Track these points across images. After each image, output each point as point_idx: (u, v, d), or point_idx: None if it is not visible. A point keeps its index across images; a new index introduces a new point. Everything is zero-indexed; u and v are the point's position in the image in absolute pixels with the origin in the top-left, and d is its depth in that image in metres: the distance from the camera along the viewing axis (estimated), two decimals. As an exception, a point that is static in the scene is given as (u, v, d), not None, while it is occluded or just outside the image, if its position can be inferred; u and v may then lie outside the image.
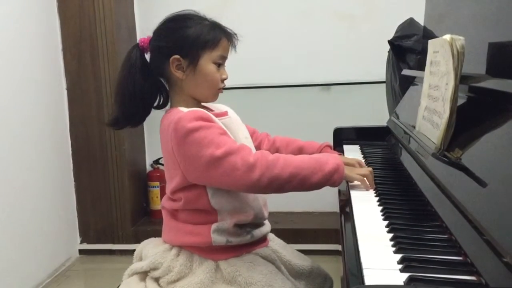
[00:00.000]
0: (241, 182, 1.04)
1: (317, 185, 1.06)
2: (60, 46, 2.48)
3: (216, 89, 1.18)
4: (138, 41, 1.19)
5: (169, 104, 1.23)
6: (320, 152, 1.33)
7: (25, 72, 2.19)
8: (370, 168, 1.16)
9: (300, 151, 1.33)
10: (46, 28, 2.39)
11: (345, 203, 1.04)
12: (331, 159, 1.08)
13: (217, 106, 1.28)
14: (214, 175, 1.05)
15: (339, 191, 1.13)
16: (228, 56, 1.20)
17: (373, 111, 2.17)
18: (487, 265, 0.65)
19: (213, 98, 1.20)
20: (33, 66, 2.26)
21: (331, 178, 1.06)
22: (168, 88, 1.21)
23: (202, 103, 1.24)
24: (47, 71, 2.39)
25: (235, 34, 1.20)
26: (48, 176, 2.37)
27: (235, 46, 1.20)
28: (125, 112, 1.19)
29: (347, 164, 1.26)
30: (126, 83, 1.16)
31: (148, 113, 1.22)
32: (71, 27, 2.47)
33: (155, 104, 1.23)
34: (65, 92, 2.52)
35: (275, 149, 1.35)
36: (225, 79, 1.18)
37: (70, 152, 2.57)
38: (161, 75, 1.19)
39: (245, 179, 1.02)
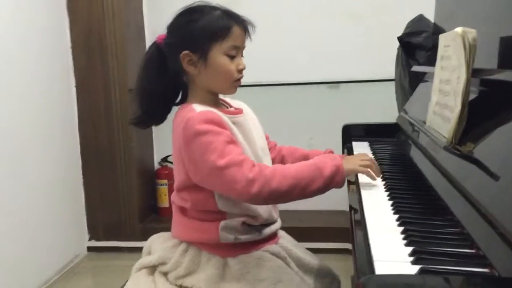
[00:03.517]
0: (240, 196, 1.03)
1: (320, 191, 1.05)
2: (69, 44, 2.49)
3: (232, 81, 1.14)
4: (156, 39, 1.17)
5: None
6: None
7: (34, 69, 2.20)
8: (371, 157, 1.14)
9: (304, 158, 1.31)
10: (55, 25, 2.40)
11: (355, 198, 1.04)
12: (329, 161, 1.06)
13: (235, 102, 1.26)
14: (215, 183, 1.05)
15: (348, 186, 1.12)
16: (246, 45, 1.15)
17: (382, 109, 2.15)
18: (500, 257, 0.65)
19: (231, 90, 1.16)
20: (42, 63, 2.27)
21: (333, 181, 1.04)
22: (186, 84, 1.19)
23: (220, 97, 1.22)
24: (56, 68, 2.40)
25: (250, 21, 1.15)
26: (57, 173, 2.38)
27: (250, 34, 1.15)
28: (146, 110, 1.18)
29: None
30: (144, 81, 1.16)
31: (169, 110, 1.20)
32: (80, 24, 2.48)
33: (177, 100, 1.21)
34: (74, 89, 2.53)
35: (281, 157, 1.34)
36: (242, 70, 1.14)
37: (79, 149, 2.57)
38: (178, 71, 1.15)
39: (244, 192, 1.01)
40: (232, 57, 1.12)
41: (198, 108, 1.10)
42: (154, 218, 2.76)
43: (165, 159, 2.75)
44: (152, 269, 1.18)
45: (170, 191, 2.68)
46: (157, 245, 1.20)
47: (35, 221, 2.19)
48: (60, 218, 2.40)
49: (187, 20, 1.12)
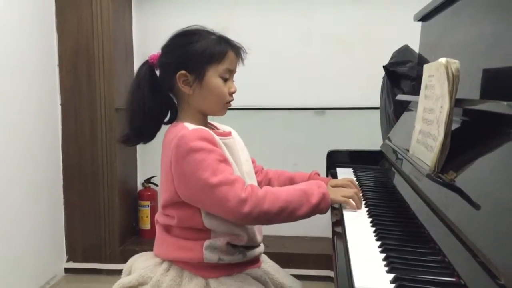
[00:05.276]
0: (230, 214, 1.05)
1: (305, 216, 1.09)
2: (56, 62, 2.48)
3: (224, 103, 1.18)
4: (148, 58, 1.20)
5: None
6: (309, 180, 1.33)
7: (19, 86, 2.18)
8: (355, 190, 1.16)
9: (290, 181, 1.35)
10: (43, 43, 2.39)
11: (338, 224, 1.03)
12: (316, 189, 1.10)
13: (222, 126, 1.29)
14: (205, 200, 1.06)
15: (332, 212, 1.12)
16: (237, 70, 1.20)
17: (367, 137, 2.17)
18: (481, 286, 0.65)
19: (222, 112, 1.21)
20: (28, 80, 2.26)
21: (318, 208, 1.08)
22: (176, 103, 1.22)
23: (209, 121, 1.24)
24: (42, 85, 2.38)
25: (243, 47, 1.20)
26: (37, 191, 2.34)
27: (242, 59, 1.20)
28: (135, 128, 1.19)
29: (336, 186, 1.27)
30: (136, 99, 1.18)
31: (158, 128, 1.22)
32: (69, 43, 2.47)
33: (166, 119, 1.23)
34: (59, 107, 2.51)
35: (268, 180, 1.36)
36: (233, 93, 1.19)
37: (61, 168, 2.54)
38: (170, 90, 1.20)
39: (235, 212, 1.03)
40: (225, 80, 1.16)
41: (190, 126, 1.12)
42: (135, 240, 2.71)
43: (148, 181, 2.72)
44: (132, 290, 1.16)
45: (152, 213, 2.65)
46: (139, 264, 1.19)
47: (11, 240, 2.14)
48: (37, 238, 2.35)
49: (185, 41, 1.16)
